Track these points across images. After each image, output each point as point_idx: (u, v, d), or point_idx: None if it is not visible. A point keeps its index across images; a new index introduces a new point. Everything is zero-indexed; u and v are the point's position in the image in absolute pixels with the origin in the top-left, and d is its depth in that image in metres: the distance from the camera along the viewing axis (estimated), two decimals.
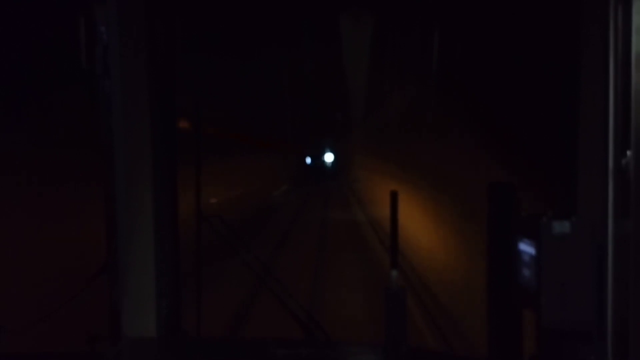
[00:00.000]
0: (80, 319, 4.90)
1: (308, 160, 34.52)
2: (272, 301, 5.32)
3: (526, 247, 3.74)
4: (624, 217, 3.55)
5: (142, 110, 4.59)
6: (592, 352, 3.65)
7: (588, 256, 3.61)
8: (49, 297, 5.28)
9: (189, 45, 5.89)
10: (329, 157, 34.36)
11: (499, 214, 4.18)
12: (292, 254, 14.58)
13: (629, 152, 3.50)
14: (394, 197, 4.37)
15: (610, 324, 3.62)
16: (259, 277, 6.00)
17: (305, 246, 16.30)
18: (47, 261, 6.16)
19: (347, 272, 13.34)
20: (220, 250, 5.95)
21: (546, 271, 3.57)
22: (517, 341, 4.09)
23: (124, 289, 4.64)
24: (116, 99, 4.54)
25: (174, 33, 4.95)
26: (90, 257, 5.11)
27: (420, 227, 12.00)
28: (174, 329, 4.86)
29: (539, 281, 3.60)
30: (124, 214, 4.60)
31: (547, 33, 4.90)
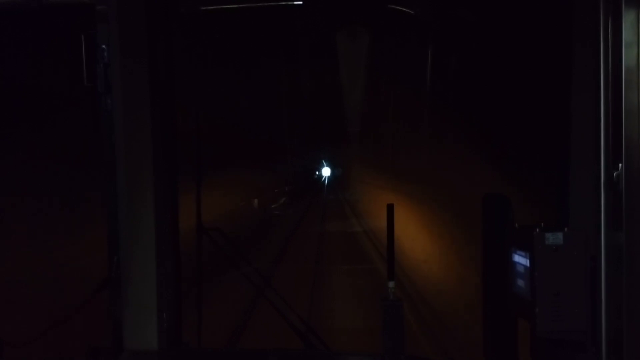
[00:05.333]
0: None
1: (306, 173, 34.49)
2: (271, 312, 5.36)
3: (520, 258, 3.79)
4: (616, 228, 3.61)
5: (143, 125, 4.65)
6: None
7: (581, 267, 3.66)
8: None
9: (189, 61, 5.96)
10: (326, 171, 34.35)
11: (493, 225, 4.24)
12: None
13: (620, 165, 3.56)
14: (390, 209, 4.42)
15: (604, 333, 3.66)
16: (258, 288, 6.05)
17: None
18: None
19: None
20: (220, 262, 6.00)
21: (540, 282, 3.62)
22: (512, 350, 4.14)
23: (126, 302, 4.67)
24: (118, 116, 4.60)
25: (174, 49, 5.01)
26: None
27: (414, 235, 12.10)
28: (175, 341, 4.89)
29: (533, 291, 3.66)
30: (125, 227, 4.65)
31: (539, 47, 4.96)
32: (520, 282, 3.80)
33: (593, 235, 3.66)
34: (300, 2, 6.57)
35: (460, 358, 7.75)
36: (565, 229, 3.67)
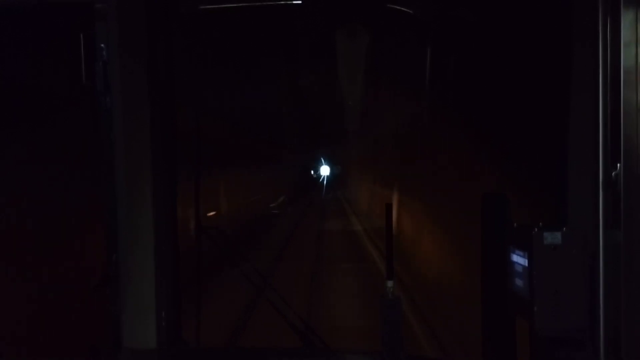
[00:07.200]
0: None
1: (306, 172, 34.52)
2: (270, 310, 5.37)
3: (518, 258, 3.79)
4: (614, 227, 3.62)
5: (143, 125, 4.65)
6: None
7: (580, 266, 3.66)
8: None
9: (189, 59, 5.97)
10: (325, 170, 34.34)
11: (492, 224, 4.24)
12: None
13: (619, 164, 3.57)
14: (388, 209, 4.43)
15: (603, 331, 3.67)
16: (257, 286, 6.05)
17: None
18: None
19: None
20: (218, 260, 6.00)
21: (539, 280, 3.63)
22: (511, 349, 4.14)
23: (124, 300, 4.67)
24: (117, 115, 4.60)
25: (174, 48, 5.01)
26: None
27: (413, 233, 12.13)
28: (174, 339, 4.90)
29: (532, 290, 3.66)
30: (124, 226, 4.65)
31: (539, 47, 4.96)
32: (519, 282, 3.80)
33: (592, 235, 3.67)
34: (300, 2, 6.58)
35: (459, 357, 7.75)
36: (564, 228, 3.67)
